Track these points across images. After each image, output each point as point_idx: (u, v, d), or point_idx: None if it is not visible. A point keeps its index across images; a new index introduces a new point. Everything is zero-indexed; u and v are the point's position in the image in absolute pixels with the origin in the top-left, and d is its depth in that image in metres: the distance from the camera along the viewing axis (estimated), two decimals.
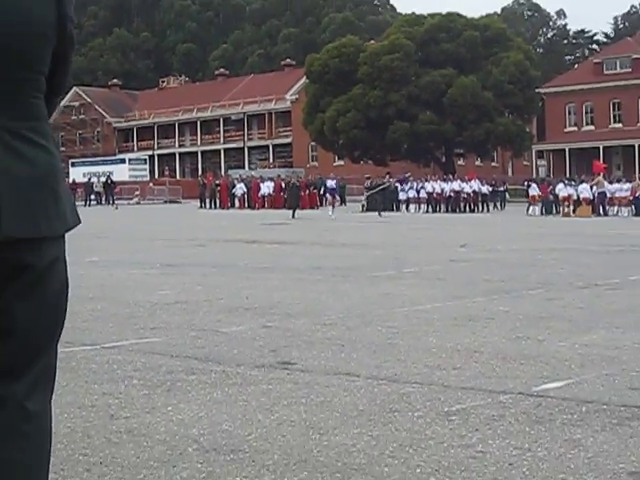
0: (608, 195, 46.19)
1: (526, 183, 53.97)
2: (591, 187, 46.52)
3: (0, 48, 2.61)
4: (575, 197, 47.08)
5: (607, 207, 45.76)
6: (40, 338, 2.73)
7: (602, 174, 48.67)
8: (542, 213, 47.49)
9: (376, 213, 43.56)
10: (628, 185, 47.41)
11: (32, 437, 2.70)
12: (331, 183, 48.96)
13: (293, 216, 37.40)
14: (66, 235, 2.72)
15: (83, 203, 55.28)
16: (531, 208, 49.02)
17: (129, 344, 7.49)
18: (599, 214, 44.89)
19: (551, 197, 48.59)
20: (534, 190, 50.06)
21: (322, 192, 52.78)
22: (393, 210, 51.49)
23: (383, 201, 47.52)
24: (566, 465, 4.26)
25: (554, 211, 47.46)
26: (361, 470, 4.20)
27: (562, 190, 47.77)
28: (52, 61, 2.77)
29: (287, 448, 4.54)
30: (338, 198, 50.69)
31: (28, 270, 2.68)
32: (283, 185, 47.73)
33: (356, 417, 5.14)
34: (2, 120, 2.61)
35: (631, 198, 46.06)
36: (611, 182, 48.19)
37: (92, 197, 61.38)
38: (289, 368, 6.53)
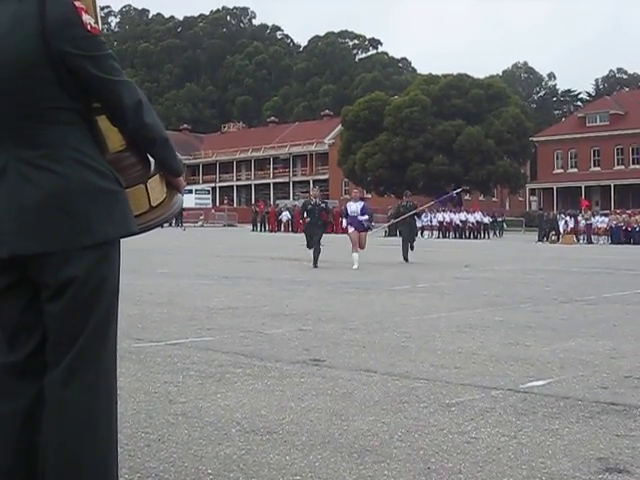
0: (593, 226, 45.87)
1: (558, 215, 49.08)
2: (585, 219, 46.04)
3: None
4: (562, 228, 46.52)
5: (590, 236, 45.35)
6: (68, 333, 2.57)
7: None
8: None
9: (397, 236, 28.89)
10: (605, 218, 47.20)
11: (73, 420, 2.56)
12: (354, 208, 20.39)
13: (315, 265, 19.38)
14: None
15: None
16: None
17: (188, 342, 7.48)
18: (588, 242, 44.39)
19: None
20: (565, 224, 46.75)
21: (344, 222, 22.52)
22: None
23: (410, 235, 23.67)
24: (545, 451, 4.19)
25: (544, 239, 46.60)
26: (374, 451, 4.14)
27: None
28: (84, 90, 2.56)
29: (314, 431, 4.50)
30: (369, 229, 21.36)
31: (43, 282, 2.55)
32: (307, 208, 22.12)
33: (372, 406, 5.09)
34: (12, 150, 2.49)
35: (608, 228, 45.85)
36: (593, 215, 47.85)
37: None
38: (319, 364, 6.48)
